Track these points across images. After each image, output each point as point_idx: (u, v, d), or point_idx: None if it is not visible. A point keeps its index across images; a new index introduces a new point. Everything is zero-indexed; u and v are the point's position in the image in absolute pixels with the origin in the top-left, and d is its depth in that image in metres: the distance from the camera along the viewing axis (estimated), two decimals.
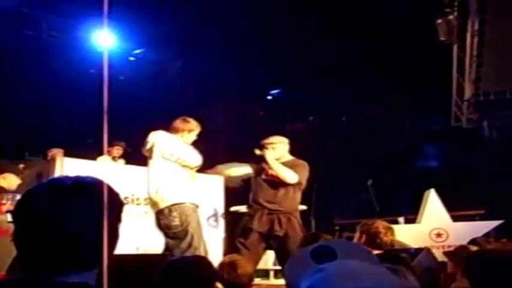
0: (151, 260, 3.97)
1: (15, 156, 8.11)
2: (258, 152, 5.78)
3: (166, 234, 4.95)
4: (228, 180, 6.44)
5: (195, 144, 5.38)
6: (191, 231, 4.88)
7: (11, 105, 8.42)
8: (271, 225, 5.58)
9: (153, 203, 5.05)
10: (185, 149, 5.17)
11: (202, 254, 4.81)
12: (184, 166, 5.09)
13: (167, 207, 4.90)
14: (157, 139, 5.13)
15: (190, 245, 4.83)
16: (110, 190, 1.43)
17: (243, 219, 5.95)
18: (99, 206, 1.35)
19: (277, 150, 5.83)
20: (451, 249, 6.57)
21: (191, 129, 5.33)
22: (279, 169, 5.70)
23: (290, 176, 5.67)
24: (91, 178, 1.45)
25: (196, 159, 5.20)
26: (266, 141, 5.84)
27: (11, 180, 5.98)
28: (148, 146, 5.16)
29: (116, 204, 1.46)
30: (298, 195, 5.85)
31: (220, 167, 6.33)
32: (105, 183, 1.43)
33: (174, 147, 5.07)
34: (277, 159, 5.78)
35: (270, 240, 5.59)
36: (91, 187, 1.41)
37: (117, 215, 1.47)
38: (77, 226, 1.34)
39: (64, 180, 1.42)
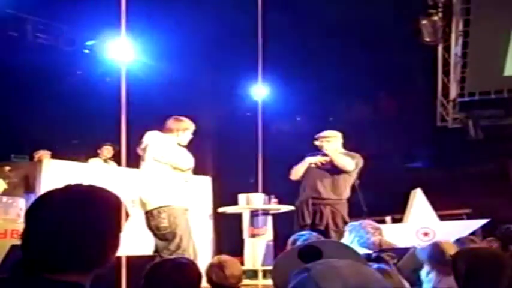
0: (138, 262, 3.97)
1: (0, 158, 8.05)
2: (317, 143, 6.08)
3: (155, 235, 4.98)
4: None
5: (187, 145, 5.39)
6: (180, 233, 4.90)
7: None
8: (313, 217, 5.75)
9: (142, 204, 5.06)
10: (177, 151, 5.16)
11: (192, 256, 4.83)
12: (175, 168, 5.09)
13: (156, 208, 4.92)
14: (150, 140, 5.13)
15: (179, 247, 4.85)
16: (117, 200, 1.51)
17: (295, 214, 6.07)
18: (104, 214, 1.45)
19: (332, 144, 6.09)
20: None
21: (185, 127, 5.32)
22: (338, 158, 5.95)
23: (348, 163, 5.94)
24: (100, 187, 1.52)
25: (188, 162, 5.20)
26: (321, 134, 6.13)
27: None
28: (142, 146, 5.16)
29: (120, 214, 1.51)
30: (347, 188, 6.04)
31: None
32: (114, 194, 1.51)
33: (165, 150, 5.07)
34: None
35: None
36: (100, 196, 1.49)
37: (120, 224, 1.51)
38: (80, 230, 1.39)
39: (76, 187, 1.49)
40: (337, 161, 5.94)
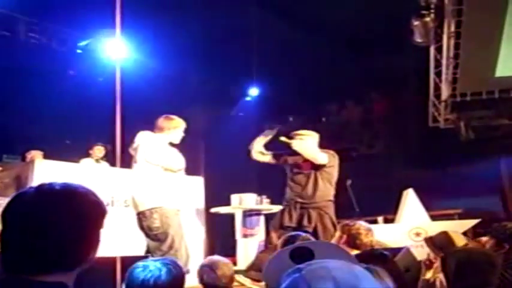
0: (130, 262, 3.97)
1: None
2: (282, 138, 5.96)
3: (147, 236, 4.98)
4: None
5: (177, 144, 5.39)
6: (172, 233, 4.90)
7: None
8: (300, 219, 5.70)
9: (134, 205, 5.06)
10: (167, 152, 5.16)
11: (184, 256, 4.84)
12: (166, 169, 5.09)
13: (148, 209, 4.92)
14: (141, 141, 5.13)
15: (171, 247, 4.85)
16: (94, 197, 1.47)
17: (275, 215, 6.05)
18: (82, 212, 1.42)
19: (305, 142, 5.95)
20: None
21: (175, 126, 5.32)
22: (307, 151, 5.85)
23: (320, 156, 5.83)
24: (76, 185, 1.49)
25: (178, 162, 5.20)
26: (296, 132, 6.02)
27: None
28: (133, 146, 5.17)
29: (98, 211, 1.50)
30: (330, 189, 5.94)
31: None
32: (89, 190, 1.47)
33: (155, 151, 5.07)
34: None
35: None
36: (75, 193, 1.45)
37: (99, 221, 1.50)
38: (59, 229, 1.37)
39: (51, 186, 1.46)
40: (306, 155, 5.86)
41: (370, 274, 1.05)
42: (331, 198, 5.95)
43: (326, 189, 5.90)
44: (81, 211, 1.42)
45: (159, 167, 5.05)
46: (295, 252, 1.14)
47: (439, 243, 4.17)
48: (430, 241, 4.38)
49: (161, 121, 5.31)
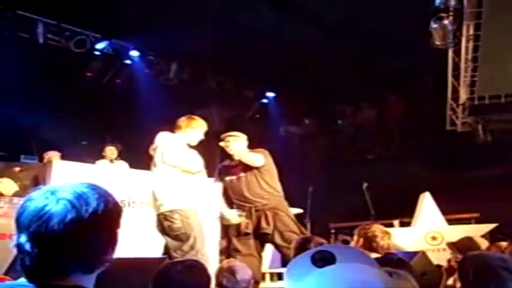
0: (148, 264, 3.98)
1: (10, 159, 8.10)
2: (222, 144, 5.86)
3: (168, 236, 4.93)
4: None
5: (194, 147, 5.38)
6: (193, 234, 4.87)
7: (5, 107, 8.40)
8: (258, 223, 5.65)
9: (154, 206, 5.05)
10: (185, 154, 5.13)
11: (205, 257, 4.81)
12: (184, 171, 5.07)
13: (169, 210, 4.90)
14: (160, 143, 5.12)
15: (192, 248, 4.82)
16: (110, 197, 1.46)
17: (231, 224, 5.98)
18: (99, 213, 1.40)
19: (240, 142, 5.89)
20: (446, 252, 6.62)
21: (195, 126, 5.29)
22: (244, 155, 5.78)
23: (256, 159, 5.75)
24: (92, 185, 1.48)
25: (196, 164, 5.17)
26: (227, 134, 5.91)
27: (7, 185, 5.94)
28: (153, 147, 5.16)
29: (115, 211, 1.49)
30: (276, 186, 5.87)
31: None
32: (106, 191, 1.46)
33: (173, 153, 5.05)
34: None
35: (260, 238, 5.67)
36: (92, 194, 1.44)
37: (117, 222, 1.49)
38: (77, 232, 1.36)
39: (64, 187, 1.44)
40: (244, 158, 5.78)
41: (391, 278, 1.04)
42: (280, 194, 5.87)
43: (272, 188, 5.82)
44: (96, 212, 1.40)
45: (177, 168, 5.04)
46: (317, 255, 1.13)
47: (463, 248, 4.11)
48: (454, 246, 4.33)
49: (181, 120, 5.29)
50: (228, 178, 5.95)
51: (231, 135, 5.89)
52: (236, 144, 5.84)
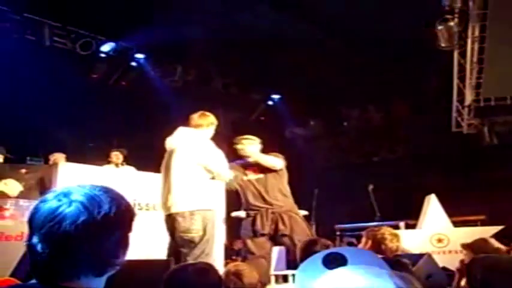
0: (153, 266, 3.98)
1: (16, 160, 8.12)
2: (238, 146, 5.88)
3: (181, 238, 4.81)
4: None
5: None
6: (208, 237, 4.80)
7: (11, 109, 8.43)
8: (275, 225, 5.69)
9: (171, 204, 4.90)
10: (220, 159, 5.03)
11: (213, 260, 4.76)
12: (208, 171, 4.99)
13: (189, 211, 4.79)
14: (186, 140, 5.03)
15: (203, 251, 4.75)
16: (122, 199, 1.45)
17: (243, 224, 6.02)
18: (112, 216, 1.39)
19: (255, 145, 5.94)
20: (452, 254, 6.60)
21: (211, 122, 5.26)
22: (263, 158, 5.82)
23: (276, 162, 5.82)
24: (105, 188, 1.47)
25: (229, 173, 5.16)
26: (242, 137, 5.95)
27: (13, 187, 5.96)
28: (174, 144, 5.06)
29: (128, 214, 1.48)
30: (287, 188, 5.94)
31: None
32: (119, 194, 1.45)
33: (210, 156, 4.95)
34: None
35: (277, 240, 5.70)
36: (105, 197, 1.43)
37: (128, 225, 1.48)
38: (88, 234, 1.36)
39: (77, 189, 1.43)
40: (263, 161, 5.83)
41: (402, 280, 1.04)
42: (291, 197, 5.95)
43: (285, 190, 5.92)
44: (110, 214, 1.40)
45: (203, 168, 4.96)
46: (328, 257, 1.13)
47: (478, 250, 4.08)
48: (469, 248, 4.29)
49: (198, 117, 5.22)
50: (245, 178, 5.98)
51: (246, 138, 5.94)
52: (251, 147, 5.89)
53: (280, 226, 5.67)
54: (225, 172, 5.11)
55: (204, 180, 4.96)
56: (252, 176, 5.96)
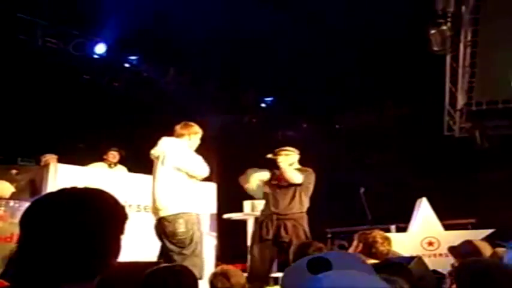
0: (143, 268, 3.97)
1: (7, 161, 8.07)
2: (270, 156, 6.15)
3: (169, 241, 4.98)
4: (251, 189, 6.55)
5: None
6: (195, 239, 4.95)
7: (2, 109, 8.39)
8: (277, 231, 5.85)
9: (157, 209, 5.07)
10: (196, 160, 5.20)
11: (202, 262, 4.89)
12: (191, 177, 5.14)
13: (173, 214, 4.94)
14: (168, 148, 5.17)
15: (193, 252, 4.89)
16: (115, 202, 1.44)
17: (254, 227, 6.29)
18: (103, 218, 1.39)
19: (290, 158, 6.19)
20: (443, 258, 6.62)
21: (195, 132, 5.41)
22: (288, 170, 6.03)
23: (296, 177, 6.02)
24: (97, 190, 1.46)
25: (205, 171, 5.26)
26: (281, 149, 6.21)
27: (4, 188, 5.92)
28: (157, 152, 5.20)
29: (120, 216, 1.46)
30: (305, 201, 6.13)
31: (250, 171, 6.51)
32: (110, 195, 1.44)
33: (186, 159, 5.13)
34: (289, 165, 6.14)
35: (276, 246, 5.89)
36: (96, 199, 1.42)
37: (121, 227, 1.47)
38: (79, 236, 1.35)
39: (71, 191, 1.43)
40: (285, 174, 6.06)
41: (388, 284, 1.04)
42: (305, 210, 6.15)
43: (301, 202, 6.11)
44: (102, 217, 1.39)
45: (185, 173, 5.10)
46: (313, 262, 1.13)
47: (465, 252, 4.10)
48: (455, 251, 4.32)
49: (181, 127, 5.38)
50: (272, 183, 6.26)
51: (284, 150, 6.20)
52: (285, 158, 6.14)
53: (282, 233, 5.84)
54: (200, 170, 5.22)
55: (187, 185, 5.10)
56: (277, 183, 6.19)
